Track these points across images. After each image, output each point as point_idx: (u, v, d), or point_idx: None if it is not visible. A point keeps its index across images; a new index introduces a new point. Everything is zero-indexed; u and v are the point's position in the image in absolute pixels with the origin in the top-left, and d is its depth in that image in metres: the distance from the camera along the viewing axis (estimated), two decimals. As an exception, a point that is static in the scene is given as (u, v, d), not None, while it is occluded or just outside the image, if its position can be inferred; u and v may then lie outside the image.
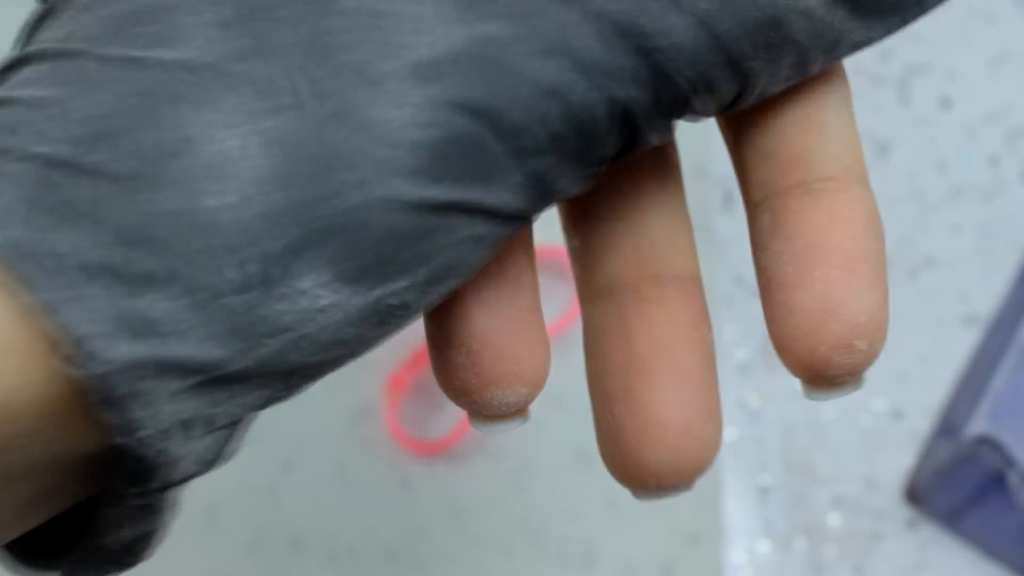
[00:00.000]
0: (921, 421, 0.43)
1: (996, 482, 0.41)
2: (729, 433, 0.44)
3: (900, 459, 0.43)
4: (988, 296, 0.45)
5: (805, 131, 0.22)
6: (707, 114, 0.21)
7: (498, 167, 0.18)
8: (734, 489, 0.44)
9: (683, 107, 0.20)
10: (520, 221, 0.19)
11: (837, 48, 0.20)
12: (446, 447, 0.42)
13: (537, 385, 0.21)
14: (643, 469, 0.21)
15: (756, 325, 0.45)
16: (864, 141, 0.51)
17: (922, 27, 0.51)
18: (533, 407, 0.22)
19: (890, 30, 0.21)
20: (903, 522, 0.42)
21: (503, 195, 0.18)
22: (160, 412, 0.17)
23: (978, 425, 0.41)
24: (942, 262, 0.46)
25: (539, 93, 0.18)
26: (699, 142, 0.45)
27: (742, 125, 0.22)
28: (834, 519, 0.42)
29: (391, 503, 0.43)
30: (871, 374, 0.21)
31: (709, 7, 0.19)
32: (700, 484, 0.37)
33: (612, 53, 0.19)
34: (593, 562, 0.42)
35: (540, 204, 0.19)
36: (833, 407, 0.43)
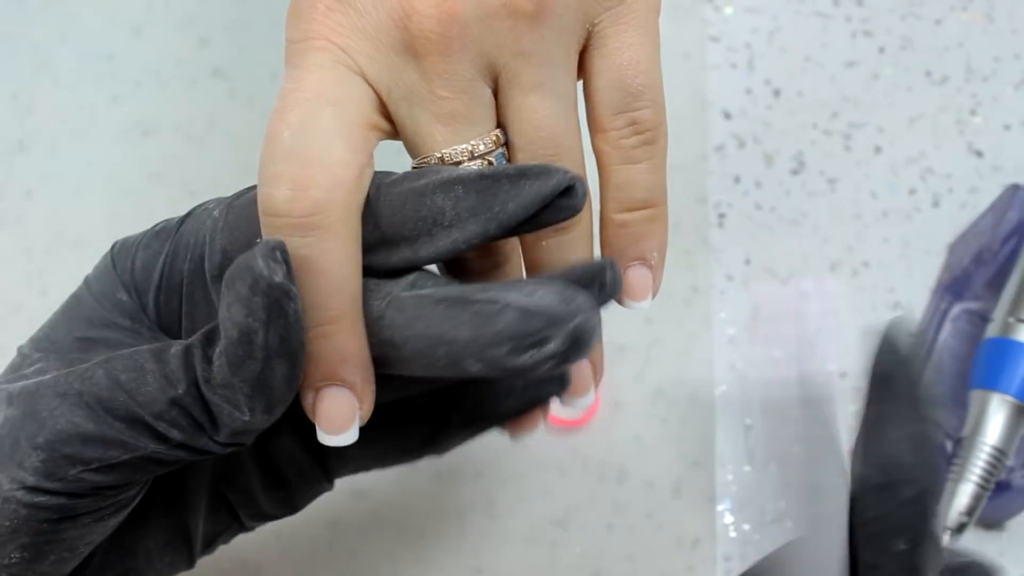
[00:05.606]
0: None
1: None
2: (721, 388, 0.46)
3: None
4: (909, 292, 0.47)
5: None
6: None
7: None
8: (725, 427, 0.45)
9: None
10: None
11: None
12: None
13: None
14: None
15: (741, 310, 0.47)
16: (819, 178, 0.51)
17: (861, 95, 0.51)
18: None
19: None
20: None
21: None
22: None
23: None
24: (875, 265, 0.48)
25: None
26: (698, 178, 0.48)
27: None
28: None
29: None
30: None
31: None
32: (701, 424, 0.42)
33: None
34: (625, 479, 0.44)
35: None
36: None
